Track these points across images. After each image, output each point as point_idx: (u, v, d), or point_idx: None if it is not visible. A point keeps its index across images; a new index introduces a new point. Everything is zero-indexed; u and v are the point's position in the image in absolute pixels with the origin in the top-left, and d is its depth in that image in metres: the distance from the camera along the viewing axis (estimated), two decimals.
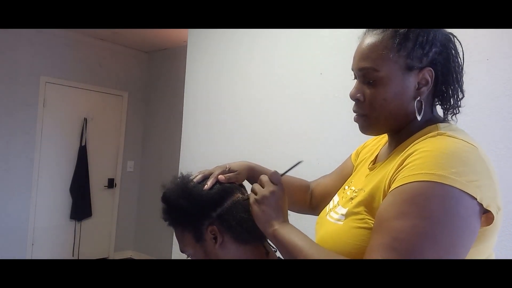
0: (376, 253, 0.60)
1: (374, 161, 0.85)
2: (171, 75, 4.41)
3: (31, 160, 3.85)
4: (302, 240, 0.72)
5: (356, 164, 0.95)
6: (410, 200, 0.60)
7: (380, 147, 0.88)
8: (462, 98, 0.76)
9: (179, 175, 0.88)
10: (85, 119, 4.21)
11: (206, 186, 0.83)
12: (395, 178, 0.65)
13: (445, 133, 0.67)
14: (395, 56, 0.70)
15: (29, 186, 3.85)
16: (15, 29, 3.60)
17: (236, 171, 0.90)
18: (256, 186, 0.82)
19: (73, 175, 4.15)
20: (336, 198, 0.88)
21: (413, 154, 0.64)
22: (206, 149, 2.68)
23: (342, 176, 0.99)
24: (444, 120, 0.76)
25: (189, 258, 0.85)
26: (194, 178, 0.86)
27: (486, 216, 0.61)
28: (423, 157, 0.63)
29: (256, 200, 0.79)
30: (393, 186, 0.64)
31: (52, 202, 4.04)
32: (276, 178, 0.82)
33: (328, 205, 0.89)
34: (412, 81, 0.71)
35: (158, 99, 4.63)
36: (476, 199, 0.59)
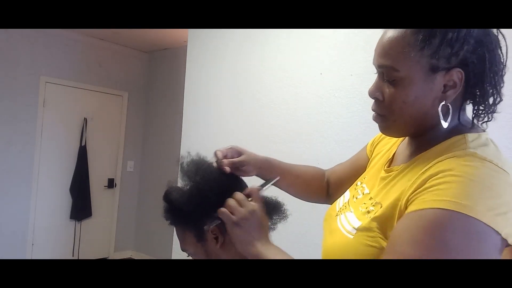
0: None
1: (391, 162, 0.79)
2: (171, 75, 4.41)
3: (31, 160, 3.85)
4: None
5: (371, 157, 0.89)
6: (429, 228, 0.55)
7: (398, 144, 0.81)
8: (499, 102, 0.68)
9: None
10: (85, 119, 4.21)
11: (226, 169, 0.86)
12: (414, 199, 0.59)
13: (474, 153, 0.60)
14: (417, 55, 0.62)
15: (29, 186, 3.85)
16: (15, 29, 3.60)
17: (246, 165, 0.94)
18: (232, 204, 0.74)
19: (73, 175, 4.15)
20: (347, 195, 0.84)
21: (437, 176, 0.58)
22: (206, 149, 2.67)
23: (356, 167, 0.94)
24: (472, 126, 0.68)
25: (189, 258, 0.85)
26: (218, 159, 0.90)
27: (511, 249, 0.56)
28: (449, 182, 0.56)
29: (235, 223, 0.72)
30: (410, 208, 0.59)
31: (52, 202, 4.04)
32: (255, 195, 0.77)
33: (337, 202, 0.86)
34: (437, 83, 0.63)
35: (158, 99, 4.63)
36: (501, 234, 0.53)
